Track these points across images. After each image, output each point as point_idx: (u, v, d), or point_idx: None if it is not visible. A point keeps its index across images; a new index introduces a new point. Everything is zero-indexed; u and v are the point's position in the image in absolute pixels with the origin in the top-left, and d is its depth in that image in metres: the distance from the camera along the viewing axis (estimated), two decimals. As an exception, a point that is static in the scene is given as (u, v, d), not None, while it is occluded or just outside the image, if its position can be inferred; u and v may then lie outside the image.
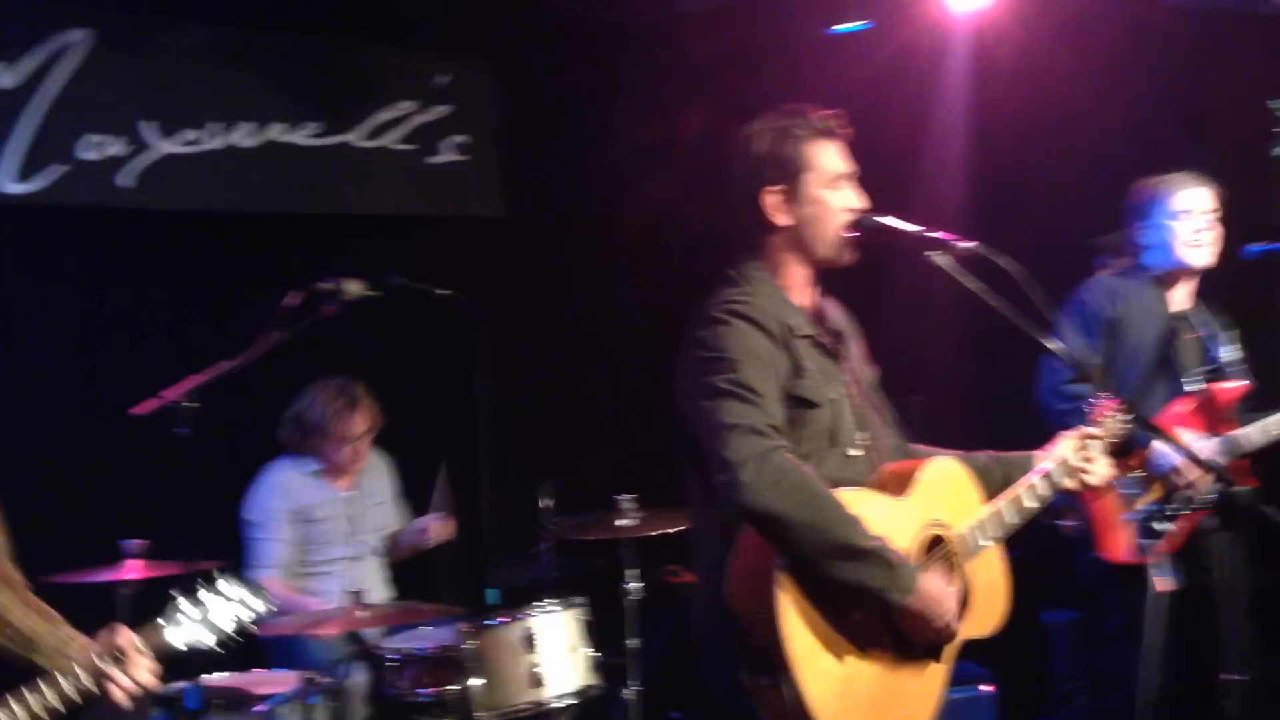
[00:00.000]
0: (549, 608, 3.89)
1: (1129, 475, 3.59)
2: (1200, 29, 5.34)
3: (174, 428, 3.11)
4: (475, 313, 4.65)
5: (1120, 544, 3.63)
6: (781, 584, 2.27)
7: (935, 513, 2.51)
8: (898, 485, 2.51)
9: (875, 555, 2.29)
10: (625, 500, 4.26)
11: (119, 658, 2.37)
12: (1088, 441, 2.76)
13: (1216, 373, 3.77)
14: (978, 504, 2.62)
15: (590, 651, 3.94)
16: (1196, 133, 5.65)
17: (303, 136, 5.09)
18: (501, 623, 3.84)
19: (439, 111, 5.42)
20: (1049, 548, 4.73)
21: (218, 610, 2.51)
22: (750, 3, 5.67)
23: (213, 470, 4.70)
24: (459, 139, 5.47)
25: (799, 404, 2.43)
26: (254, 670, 3.95)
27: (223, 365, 3.28)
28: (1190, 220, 3.76)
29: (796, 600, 2.28)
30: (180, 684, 3.36)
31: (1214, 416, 3.71)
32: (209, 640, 2.50)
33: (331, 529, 4.46)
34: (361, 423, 4.46)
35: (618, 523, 4.25)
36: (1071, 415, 3.49)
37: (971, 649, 4.49)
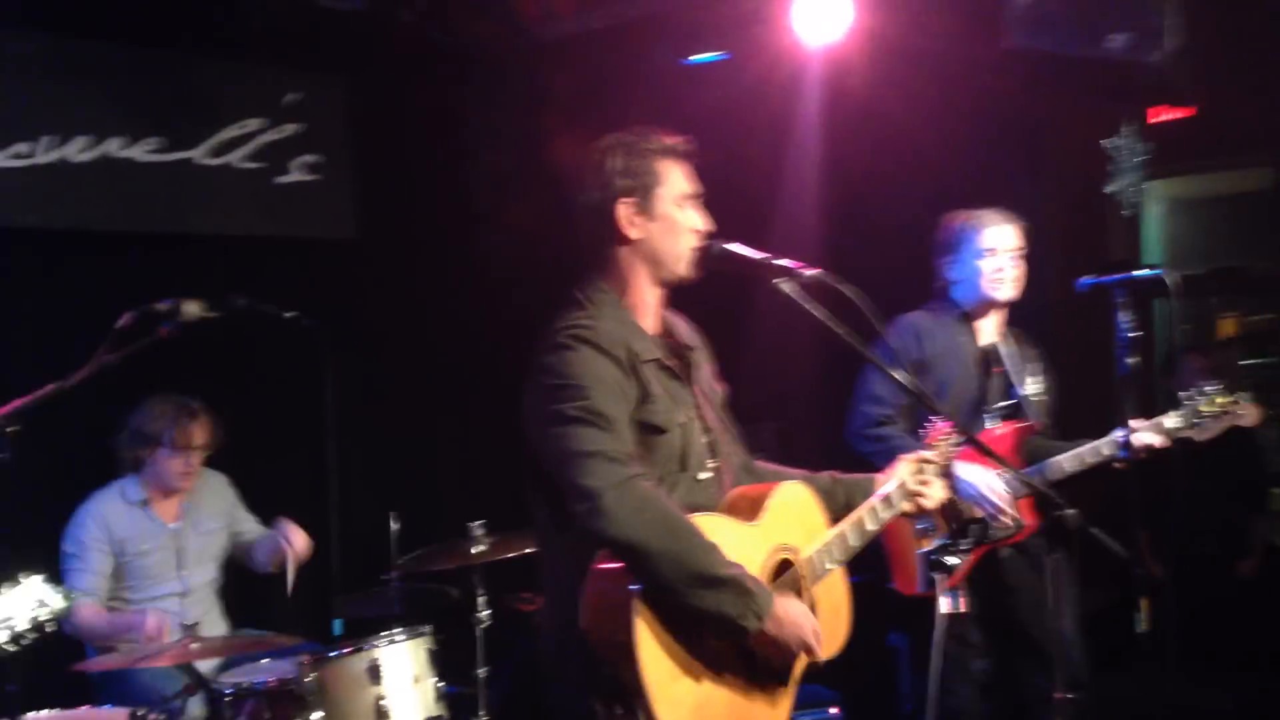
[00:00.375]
0: (394, 637, 3.81)
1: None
2: (1039, 70, 5.55)
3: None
4: (323, 337, 4.56)
5: (913, 577, 3.74)
6: (638, 611, 2.27)
7: (784, 537, 2.55)
8: (748, 510, 2.54)
9: (733, 583, 2.30)
10: (475, 527, 4.20)
11: None
12: (924, 465, 2.84)
13: (1015, 408, 3.88)
14: (824, 527, 2.66)
15: (437, 682, 3.87)
16: (1035, 170, 5.86)
17: (142, 152, 4.92)
18: (344, 654, 3.74)
19: (288, 130, 5.31)
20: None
21: (15, 608, 2.50)
22: (607, 32, 5.69)
23: (39, 497, 4.50)
24: (309, 158, 5.36)
25: (647, 430, 2.43)
26: (81, 707, 3.78)
27: (49, 388, 3.13)
28: (996, 258, 3.87)
29: (652, 627, 2.28)
30: (0, 724, 3.20)
31: (1008, 452, 3.83)
32: (2, 638, 2.48)
33: (157, 563, 4.29)
34: (200, 433, 4.32)
35: (468, 550, 4.17)
36: (877, 456, 3.62)
37: (819, 671, 4.55)
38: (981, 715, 3.82)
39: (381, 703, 3.70)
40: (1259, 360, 7.16)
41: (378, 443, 5.43)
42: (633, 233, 2.52)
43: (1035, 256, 5.74)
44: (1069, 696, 2.83)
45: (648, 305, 2.58)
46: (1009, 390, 3.89)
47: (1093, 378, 4.33)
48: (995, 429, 3.85)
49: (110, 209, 4.90)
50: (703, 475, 2.53)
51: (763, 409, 5.86)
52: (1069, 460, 3.76)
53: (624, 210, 2.51)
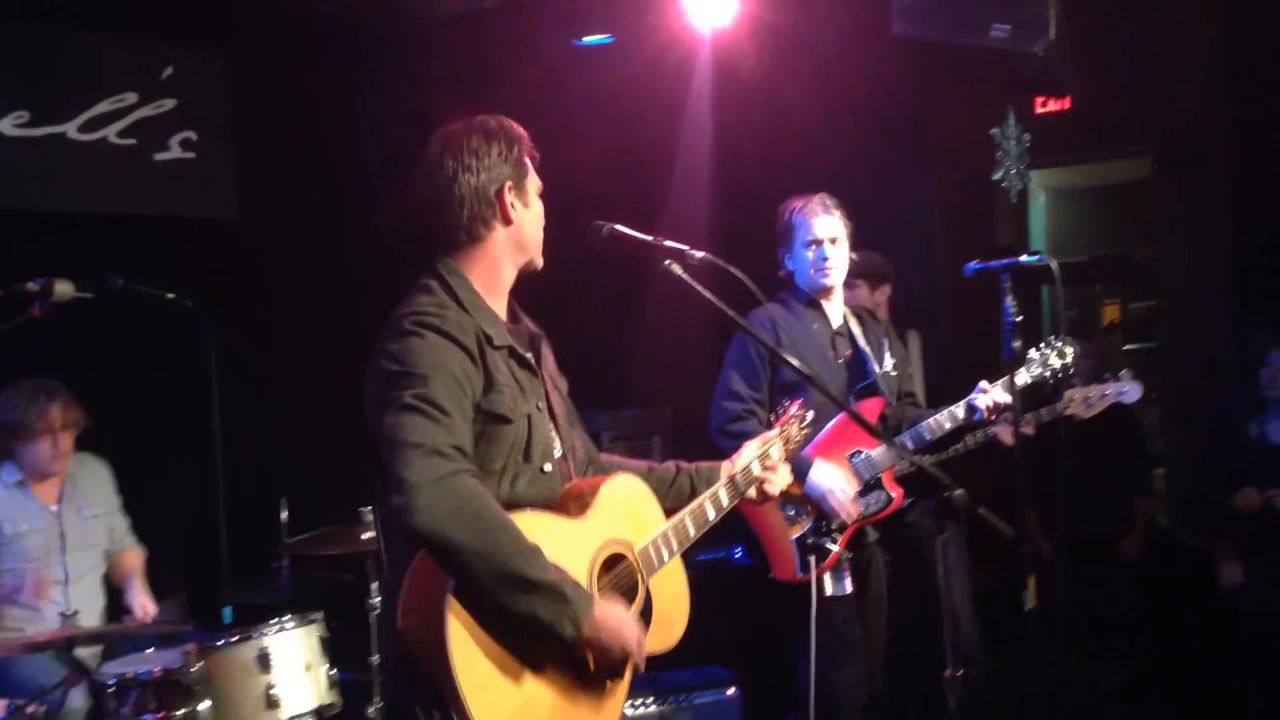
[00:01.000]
0: (285, 624, 3.73)
1: (789, 498, 3.80)
2: (926, 59, 5.63)
3: None
4: (206, 318, 4.44)
5: (789, 563, 3.79)
6: (453, 613, 2.20)
7: (615, 531, 2.49)
8: (577, 506, 2.48)
9: (549, 588, 2.25)
10: (366, 512, 4.12)
11: None
12: (769, 450, 2.88)
13: (872, 387, 3.95)
14: (660, 519, 2.63)
15: (329, 669, 3.80)
16: (924, 157, 5.97)
17: (9, 125, 4.72)
18: (232, 642, 3.66)
19: (166, 105, 5.13)
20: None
21: None
22: (498, 10, 5.63)
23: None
24: (187, 135, 5.19)
25: (491, 419, 2.38)
26: (-44, 700, 3.65)
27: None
28: (819, 249, 3.94)
29: (469, 628, 2.22)
30: None
31: (867, 430, 3.86)
32: None
33: (37, 546, 4.15)
34: (60, 414, 4.18)
35: (359, 535, 4.10)
36: (737, 438, 3.64)
37: (717, 653, 4.57)
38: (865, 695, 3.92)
39: (272, 691, 3.63)
40: (1140, 345, 7.41)
41: (265, 427, 5.32)
42: (513, 215, 2.51)
43: (923, 241, 5.88)
44: (959, 674, 2.87)
45: (504, 291, 2.56)
46: (865, 369, 3.97)
47: (979, 360, 4.41)
48: (852, 408, 3.91)
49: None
50: (547, 467, 2.48)
51: (658, 392, 5.88)
52: (926, 428, 3.85)
53: (509, 195, 2.51)
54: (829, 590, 3.74)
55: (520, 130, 2.57)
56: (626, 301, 5.86)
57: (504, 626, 2.25)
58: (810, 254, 3.93)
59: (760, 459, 2.84)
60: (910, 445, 3.85)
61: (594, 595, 2.36)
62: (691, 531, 2.66)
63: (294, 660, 3.71)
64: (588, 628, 2.28)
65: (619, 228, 2.72)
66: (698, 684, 4.34)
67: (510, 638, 2.26)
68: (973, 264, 3.76)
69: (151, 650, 3.91)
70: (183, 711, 3.57)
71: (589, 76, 5.66)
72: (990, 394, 3.81)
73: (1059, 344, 3.93)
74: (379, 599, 4.14)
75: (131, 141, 5.03)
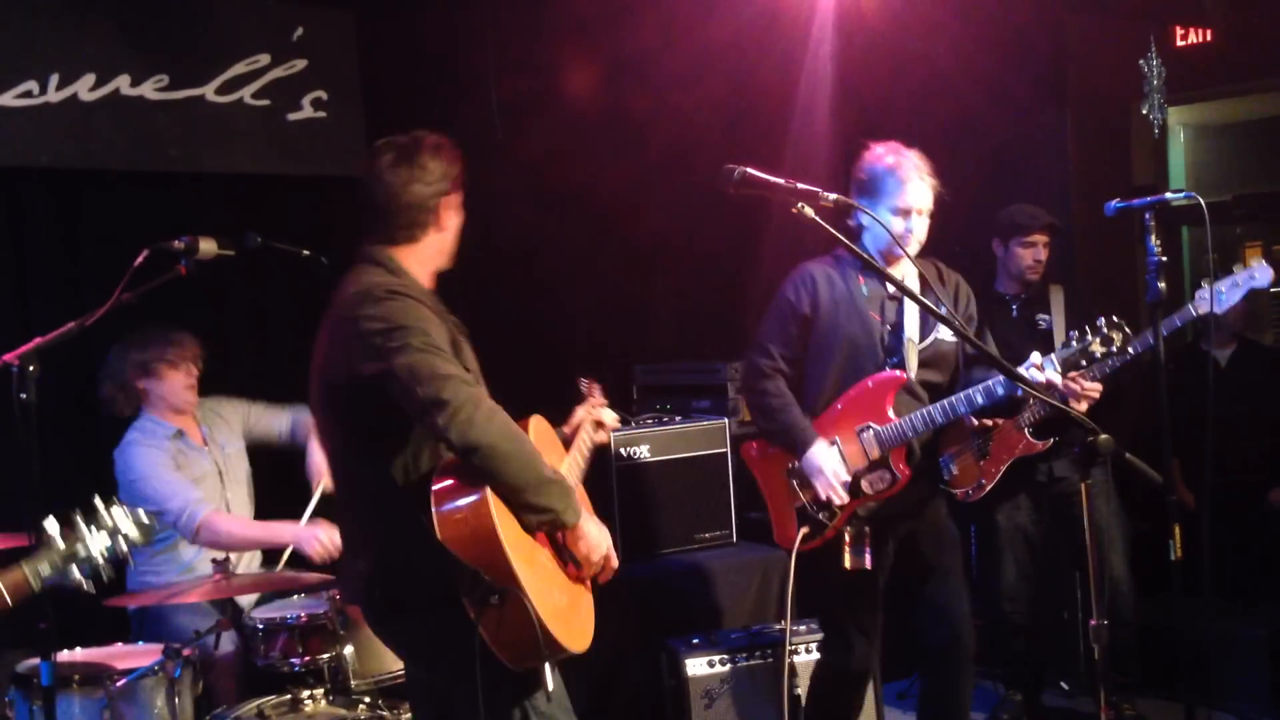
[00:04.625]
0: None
1: (797, 469, 3.76)
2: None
3: (17, 392, 2.93)
4: (340, 275, 4.50)
5: (787, 531, 3.76)
6: (495, 508, 2.60)
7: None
8: None
9: (559, 482, 2.72)
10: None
11: None
12: (591, 411, 3.38)
13: (898, 362, 3.74)
14: (564, 453, 3.20)
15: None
16: (1057, 93, 5.77)
17: (152, 89, 4.84)
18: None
19: (297, 66, 5.20)
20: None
21: (89, 541, 2.54)
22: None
23: (59, 435, 4.49)
24: (318, 95, 5.26)
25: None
26: (115, 644, 3.82)
27: (68, 327, 3.10)
28: (909, 219, 3.68)
29: (507, 526, 2.62)
30: (34, 661, 3.22)
31: (878, 403, 3.71)
32: (75, 574, 2.53)
33: (207, 488, 4.27)
34: (192, 342, 4.32)
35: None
36: (750, 409, 3.87)
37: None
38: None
39: (411, 637, 3.71)
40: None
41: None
42: (445, 224, 2.90)
43: (1057, 180, 5.70)
44: (1105, 623, 2.80)
45: (430, 280, 2.92)
46: (899, 340, 3.74)
47: (1114, 304, 4.26)
48: (868, 380, 3.72)
49: (120, 147, 4.81)
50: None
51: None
52: (963, 400, 3.63)
53: (444, 206, 2.89)
54: (846, 563, 3.68)
55: (458, 150, 2.93)
56: (745, 252, 5.81)
57: (521, 519, 2.67)
58: (898, 222, 3.65)
59: (590, 409, 3.37)
60: (939, 419, 3.63)
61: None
62: (582, 464, 3.22)
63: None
64: (583, 517, 2.77)
65: (751, 171, 2.74)
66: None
67: (529, 534, 2.70)
68: (1114, 202, 3.62)
69: (298, 596, 4.04)
70: (327, 655, 3.70)
71: (709, 19, 5.59)
72: (1044, 373, 3.53)
73: (1108, 330, 3.53)
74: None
75: (266, 102, 5.11)
